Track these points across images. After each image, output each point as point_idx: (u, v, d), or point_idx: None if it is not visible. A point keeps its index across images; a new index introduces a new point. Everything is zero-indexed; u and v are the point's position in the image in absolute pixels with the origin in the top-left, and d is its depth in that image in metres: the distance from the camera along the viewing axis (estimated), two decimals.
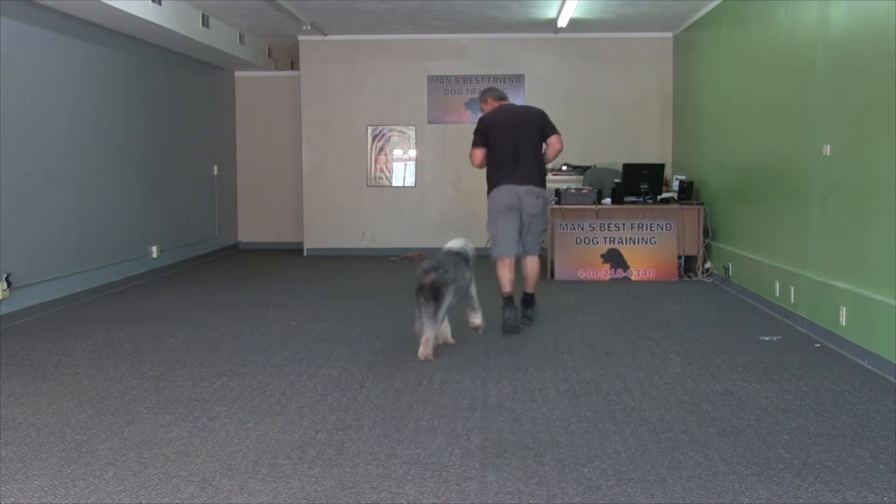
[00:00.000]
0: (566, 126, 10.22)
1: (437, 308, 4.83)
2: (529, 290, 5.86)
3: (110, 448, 3.35)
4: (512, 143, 5.63)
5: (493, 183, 5.70)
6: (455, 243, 5.36)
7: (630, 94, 10.12)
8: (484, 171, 5.80)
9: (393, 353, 4.95)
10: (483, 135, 5.71)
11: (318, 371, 4.55)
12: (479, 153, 5.72)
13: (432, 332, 4.84)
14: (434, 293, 4.82)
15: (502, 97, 5.92)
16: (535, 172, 5.66)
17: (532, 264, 5.78)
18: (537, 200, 5.63)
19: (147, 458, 3.23)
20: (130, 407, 3.91)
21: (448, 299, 4.90)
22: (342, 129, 10.37)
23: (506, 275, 5.60)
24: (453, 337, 5.18)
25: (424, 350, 4.80)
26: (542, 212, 5.74)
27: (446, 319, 5.05)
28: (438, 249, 5.34)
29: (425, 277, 4.86)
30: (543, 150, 5.75)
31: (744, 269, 7.02)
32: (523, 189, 5.58)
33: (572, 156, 10.00)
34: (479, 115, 5.94)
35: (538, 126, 5.69)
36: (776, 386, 4.21)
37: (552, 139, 5.67)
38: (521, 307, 5.79)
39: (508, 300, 5.57)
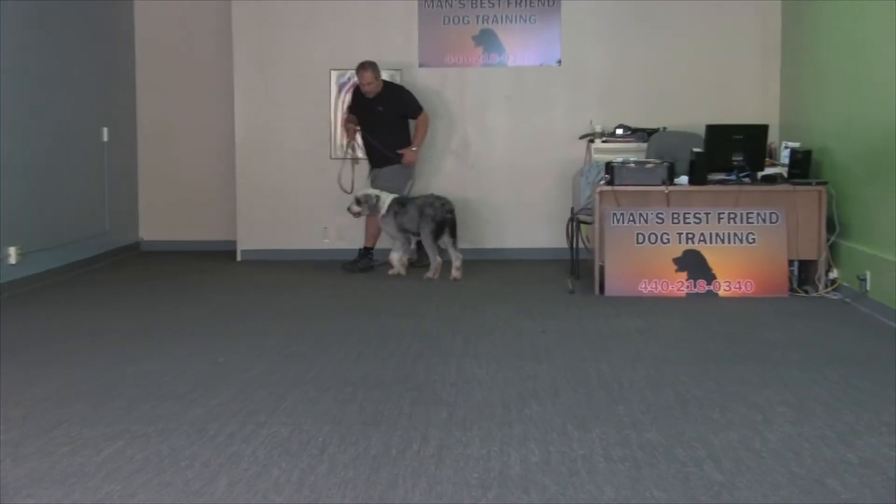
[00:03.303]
0: (621, 74, 10.39)
1: (455, 237, 9.28)
2: None
3: None
4: None
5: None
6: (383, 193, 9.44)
7: (718, 30, 10.17)
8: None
9: (368, 403, 4.92)
10: None
11: (258, 430, 4.53)
12: None
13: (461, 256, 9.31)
14: (453, 226, 9.22)
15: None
16: None
17: None
18: None
19: None
20: None
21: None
22: (293, 76, 10.40)
23: None
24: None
25: (456, 273, 9.21)
26: None
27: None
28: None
29: (449, 215, 9.16)
30: None
31: (889, 279, 7.01)
32: None
33: (631, 115, 10.03)
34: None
35: None
36: None
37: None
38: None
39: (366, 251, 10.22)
